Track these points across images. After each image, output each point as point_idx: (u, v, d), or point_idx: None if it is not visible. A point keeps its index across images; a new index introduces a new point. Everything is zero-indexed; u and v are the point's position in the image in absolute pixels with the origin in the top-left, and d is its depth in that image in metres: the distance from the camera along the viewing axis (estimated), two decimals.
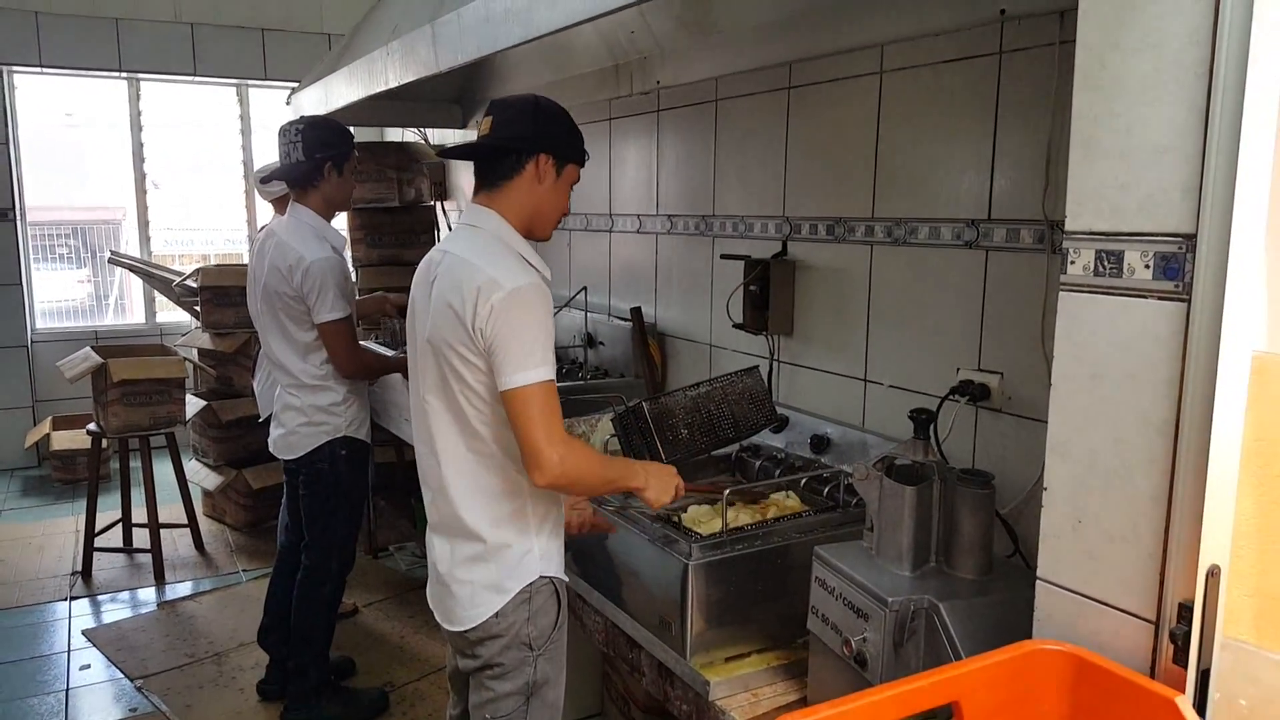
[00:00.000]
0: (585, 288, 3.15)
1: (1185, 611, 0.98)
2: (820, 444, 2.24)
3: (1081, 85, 1.03)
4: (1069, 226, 1.07)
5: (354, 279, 4.56)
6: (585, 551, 2.10)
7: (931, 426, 1.74)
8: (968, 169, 1.92)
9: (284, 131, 2.64)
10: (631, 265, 3.23)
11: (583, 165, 1.70)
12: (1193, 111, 0.93)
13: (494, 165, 1.63)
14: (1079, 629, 1.09)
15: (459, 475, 1.62)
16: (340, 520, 2.70)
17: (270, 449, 2.73)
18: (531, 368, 1.49)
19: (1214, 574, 0.95)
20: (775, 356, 2.51)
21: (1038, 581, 1.13)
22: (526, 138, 1.60)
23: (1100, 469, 1.05)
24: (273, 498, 4.03)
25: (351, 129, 2.75)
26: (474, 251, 1.58)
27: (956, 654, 1.34)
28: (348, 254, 3.02)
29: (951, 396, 1.91)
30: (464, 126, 4.36)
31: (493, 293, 1.49)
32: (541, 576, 1.65)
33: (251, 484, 4.24)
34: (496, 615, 1.63)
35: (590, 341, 3.24)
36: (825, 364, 2.35)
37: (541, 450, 1.49)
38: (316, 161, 2.60)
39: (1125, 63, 0.99)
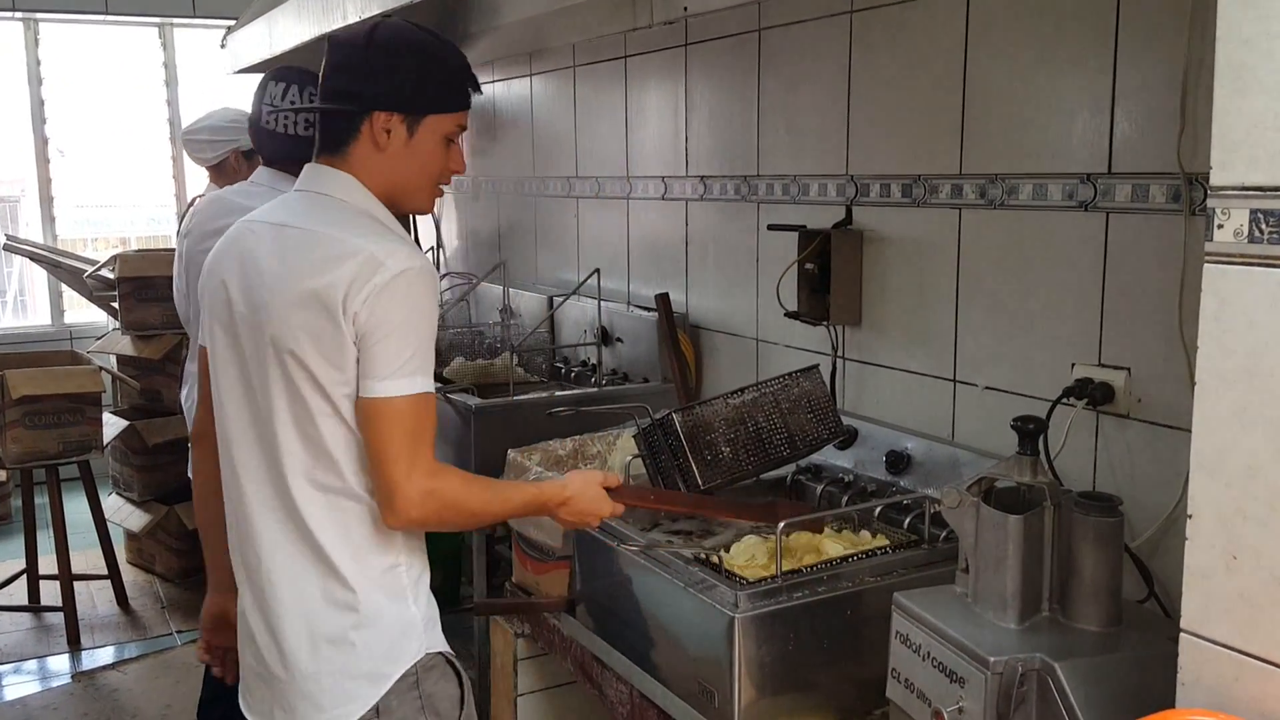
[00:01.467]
0: (598, 270, 3.17)
1: None
2: (898, 462, 2.23)
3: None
4: (1215, 181, 1.05)
5: None
6: (605, 604, 2.11)
7: (1041, 438, 1.73)
8: (1081, 109, 1.90)
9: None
10: (655, 241, 3.24)
11: (459, 110, 1.61)
12: None
13: (327, 126, 1.59)
14: (1236, 695, 1.08)
15: (313, 524, 1.53)
16: None
17: None
18: (406, 375, 1.47)
19: None
20: (839, 353, 2.50)
21: (1181, 635, 1.12)
22: (353, 93, 1.54)
23: (1261, 490, 1.04)
24: None
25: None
26: (331, 223, 1.52)
27: None
28: None
29: (1065, 400, 1.90)
30: None
31: (374, 273, 1.45)
32: (429, 653, 1.61)
33: (186, 523, 4.30)
34: (377, 712, 1.56)
35: (605, 338, 3.25)
36: (903, 361, 2.34)
37: (399, 485, 1.47)
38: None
39: None
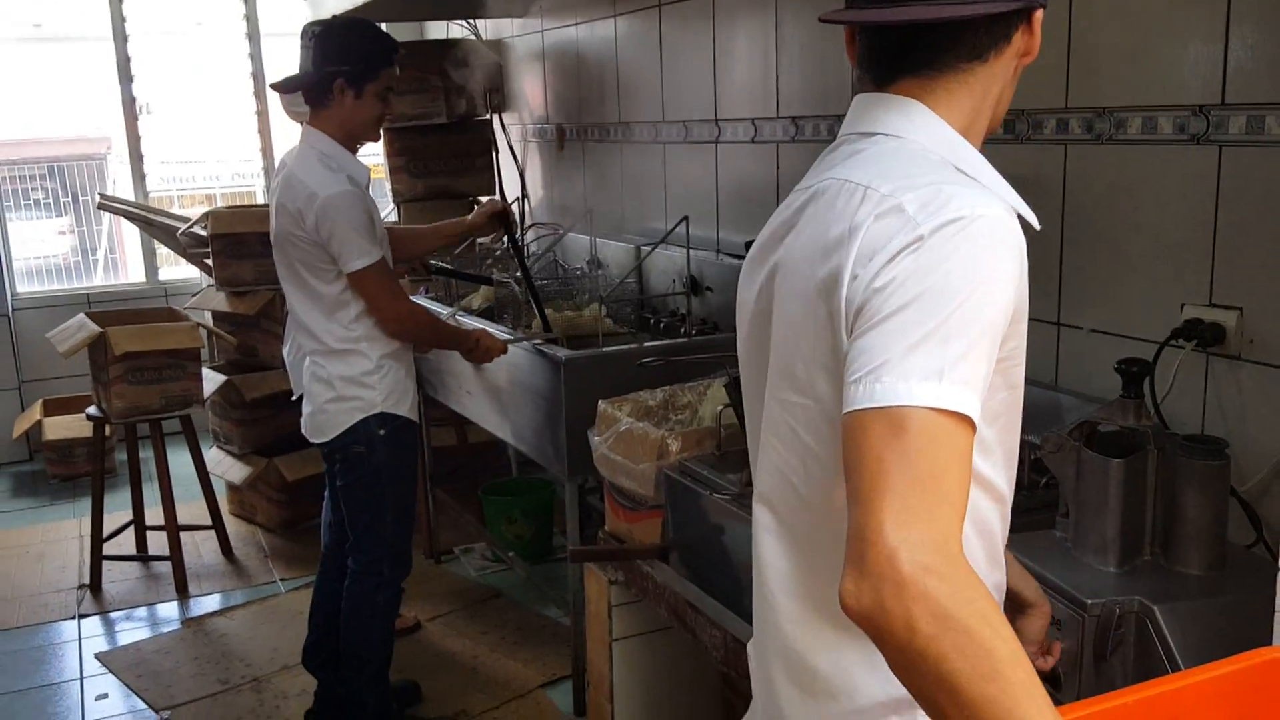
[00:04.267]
0: (685, 218, 3.22)
1: None
2: None
3: None
4: None
5: (395, 218, 4.78)
6: (697, 551, 2.20)
7: (1147, 381, 1.75)
8: (1193, 36, 1.89)
9: (304, 33, 2.79)
10: (745, 186, 3.27)
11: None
12: None
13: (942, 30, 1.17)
14: None
15: None
16: (386, 515, 2.88)
17: (302, 431, 2.93)
18: None
19: None
20: None
21: None
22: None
23: None
24: (312, 491, 4.28)
25: (388, 32, 2.86)
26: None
27: (1176, 669, 1.38)
28: (384, 191, 3.14)
29: (1174, 341, 1.91)
30: (525, 14, 4.44)
31: None
32: None
33: (286, 475, 4.50)
34: None
35: (694, 287, 3.32)
36: None
37: None
38: (327, 75, 2.72)
39: None
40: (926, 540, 0.89)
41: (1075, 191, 2.16)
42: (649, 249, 3.46)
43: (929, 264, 1.00)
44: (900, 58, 1.16)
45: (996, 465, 1.19)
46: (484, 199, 4.77)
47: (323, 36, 2.74)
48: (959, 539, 0.92)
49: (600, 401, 2.67)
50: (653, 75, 3.71)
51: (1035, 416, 2.18)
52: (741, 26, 3.20)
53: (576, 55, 4.24)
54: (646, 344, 3.07)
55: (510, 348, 3.07)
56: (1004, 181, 1.15)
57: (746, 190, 3.26)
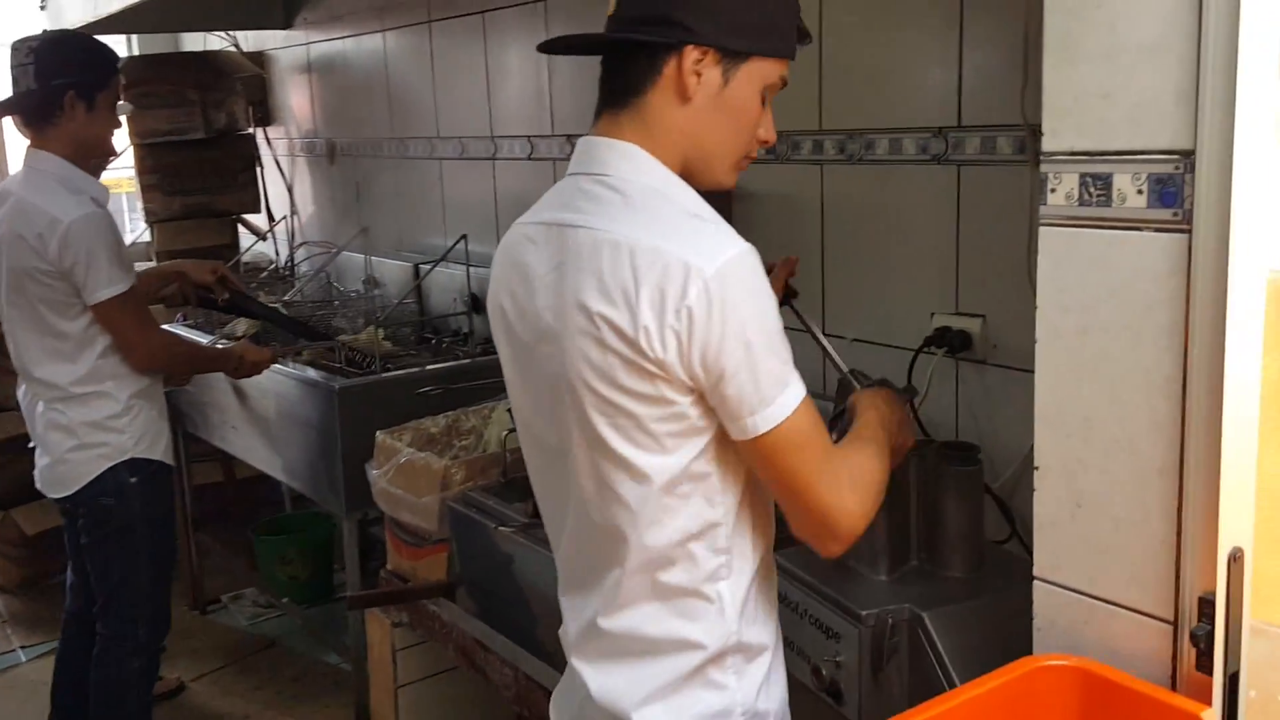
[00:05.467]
0: (465, 236, 3.14)
1: (1207, 607, 1.06)
2: None
3: None
4: (1046, 146, 1.12)
5: (149, 239, 4.45)
6: (485, 586, 2.13)
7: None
8: (932, 64, 1.97)
9: (15, 50, 2.55)
10: (525, 202, 3.11)
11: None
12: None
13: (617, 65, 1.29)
14: (1086, 636, 1.16)
15: None
16: (142, 572, 2.64)
17: (38, 486, 2.67)
18: None
19: (1236, 558, 1.03)
20: None
21: (1035, 582, 1.20)
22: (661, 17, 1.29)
23: (1099, 440, 1.12)
24: (55, 544, 3.90)
25: (129, 41, 2.65)
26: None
27: (946, 674, 1.42)
28: (132, 211, 2.93)
29: (927, 349, 1.98)
30: (288, 26, 4.24)
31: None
32: None
33: (25, 528, 4.12)
34: None
35: (475, 305, 3.23)
36: None
37: None
38: (53, 90, 2.51)
39: None
40: (845, 488, 1.20)
41: (833, 209, 2.22)
42: (428, 267, 3.34)
43: (729, 307, 1.13)
44: (602, 94, 1.27)
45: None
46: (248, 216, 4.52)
47: (43, 50, 2.52)
48: (847, 462, 1.23)
49: (379, 432, 2.56)
50: (426, 91, 3.60)
51: None
52: (513, 45, 3.15)
53: (345, 69, 4.08)
54: (427, 367, 2.96)
55: (281, 376, 2.90)
56: (719, 218, 1.26)
57: (526, 206, 3.17)
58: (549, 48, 1.35)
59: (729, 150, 1.27)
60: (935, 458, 1.66)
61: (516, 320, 1.30)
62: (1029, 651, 1.21)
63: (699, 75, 1.20)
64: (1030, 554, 1.16)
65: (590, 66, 2.99)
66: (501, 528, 2.03)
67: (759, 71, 1.23)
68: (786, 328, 1.20)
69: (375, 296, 3.59)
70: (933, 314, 2.03)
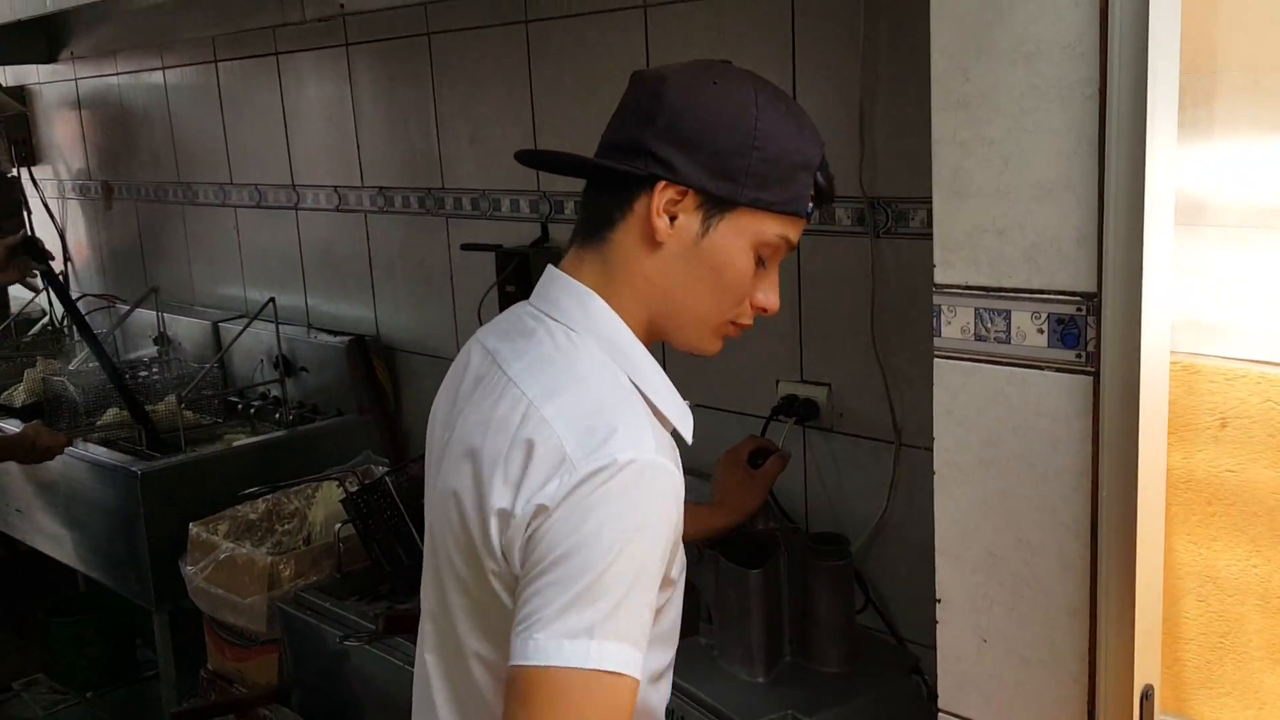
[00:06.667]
0: (273, 299, 2.89)
1: None
2: None
3: (942, 102, 1.02)
4: (939, 279, 1.07)
5: None
6: (324, 689, 1.95)
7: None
8: None
9: None
10: (334, 255, 3.01)
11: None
12: (1082, 140, 0.95)
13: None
14: None
15: None
16: None
17: None
18: None
19: (1148, 696, 1.02)
20: None
21: (939, 714, 1.16)
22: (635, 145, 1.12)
23: (1004, 576, 1.08)
24: None
25: None
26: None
27: None
28: None
29: (776, 418, 1.94)
30: (53, 60, 3.82)
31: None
32: None
33: None
34: None
35: (287, 368, 2.98)
36: None
37: None
38: None
39: (995, 75, 0.98)
40: None
41: None
42: (233, 329, 3.05)
43: (581, 515, 0.93)
44: (577, 222, 1.12)
45: (664, 647, 1.10)
46: None
47: None
48: None
49: (192, 525, 2.34)
50: (215, 133, 3.30)
51: None
52: (313, 90, 2.92)
53: (120, 106, 3.70)
54: (237, 444, 2.70)
55: (73, 460, 2.59)
56: (669, 388, 1.10)
57: (335, 260, 3.00)
58: (525, 159, 1.16)
59: (706, 312, 1.08)
60: (804, 551, 1.61)
61: (438, 423, 1.16)
62: None
63: (672, 218, 1.03)
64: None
65: (401, 120, 2.81)
66: (348, 641, 1.84)
67: (751, 226, 1.03)
68: None
69: (171, 361, 3.25)
70: (778, 381, 2.00)
